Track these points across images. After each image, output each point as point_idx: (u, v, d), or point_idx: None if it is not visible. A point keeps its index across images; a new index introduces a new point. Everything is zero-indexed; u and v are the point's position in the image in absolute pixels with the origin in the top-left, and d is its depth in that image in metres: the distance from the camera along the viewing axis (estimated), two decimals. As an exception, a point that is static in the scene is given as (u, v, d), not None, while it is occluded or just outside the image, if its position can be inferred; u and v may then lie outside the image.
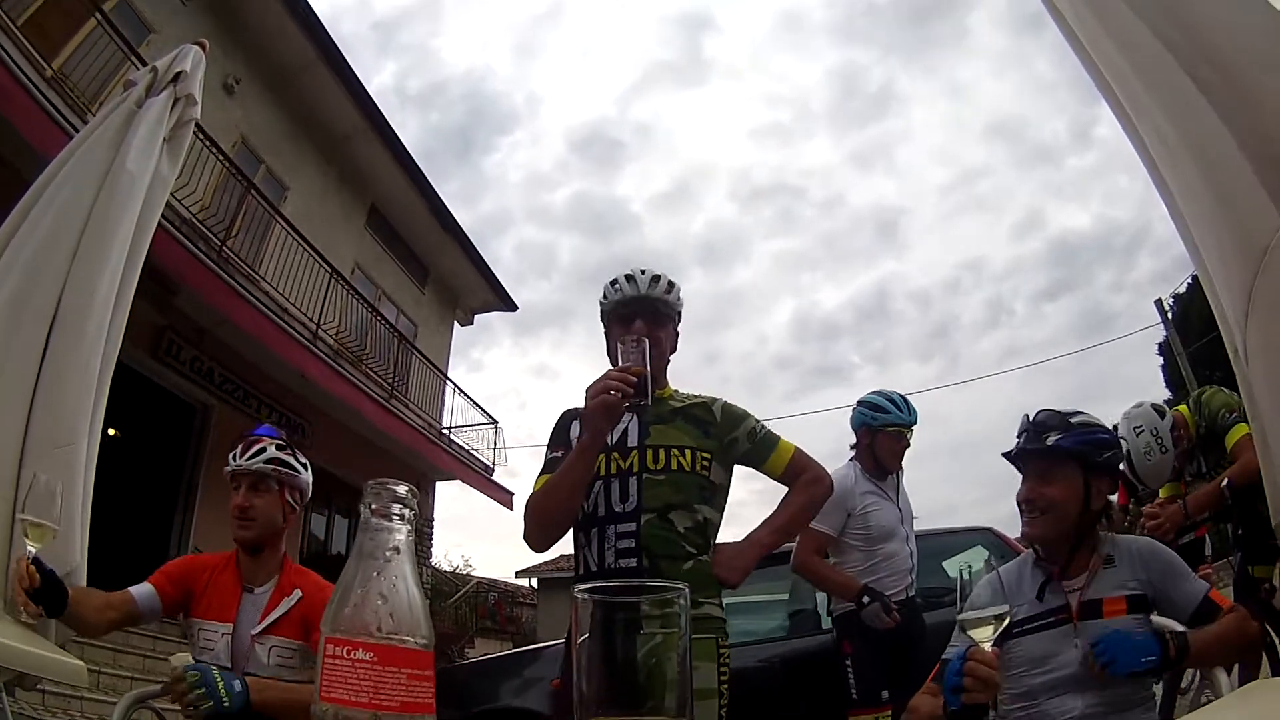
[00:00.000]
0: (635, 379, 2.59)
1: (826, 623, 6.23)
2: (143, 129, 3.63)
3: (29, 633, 2.62)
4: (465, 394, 19.52)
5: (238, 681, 2.54)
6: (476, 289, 21.71)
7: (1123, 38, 1.57)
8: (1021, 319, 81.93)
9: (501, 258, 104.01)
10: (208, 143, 10.96)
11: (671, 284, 3.05)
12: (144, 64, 3.91)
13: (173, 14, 12.59)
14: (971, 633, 2.10)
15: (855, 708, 4.67)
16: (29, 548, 2.42)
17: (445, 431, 18.46)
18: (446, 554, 32.64)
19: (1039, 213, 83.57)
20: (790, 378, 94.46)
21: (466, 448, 18.67)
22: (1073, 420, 2.78)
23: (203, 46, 4.10)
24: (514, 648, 23.59)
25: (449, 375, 19.94)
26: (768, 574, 5.22)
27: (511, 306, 22.94)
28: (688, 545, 2.81)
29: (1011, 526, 6.47)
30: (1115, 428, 4.47)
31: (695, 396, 3.12)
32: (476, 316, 22.90)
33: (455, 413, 19.13)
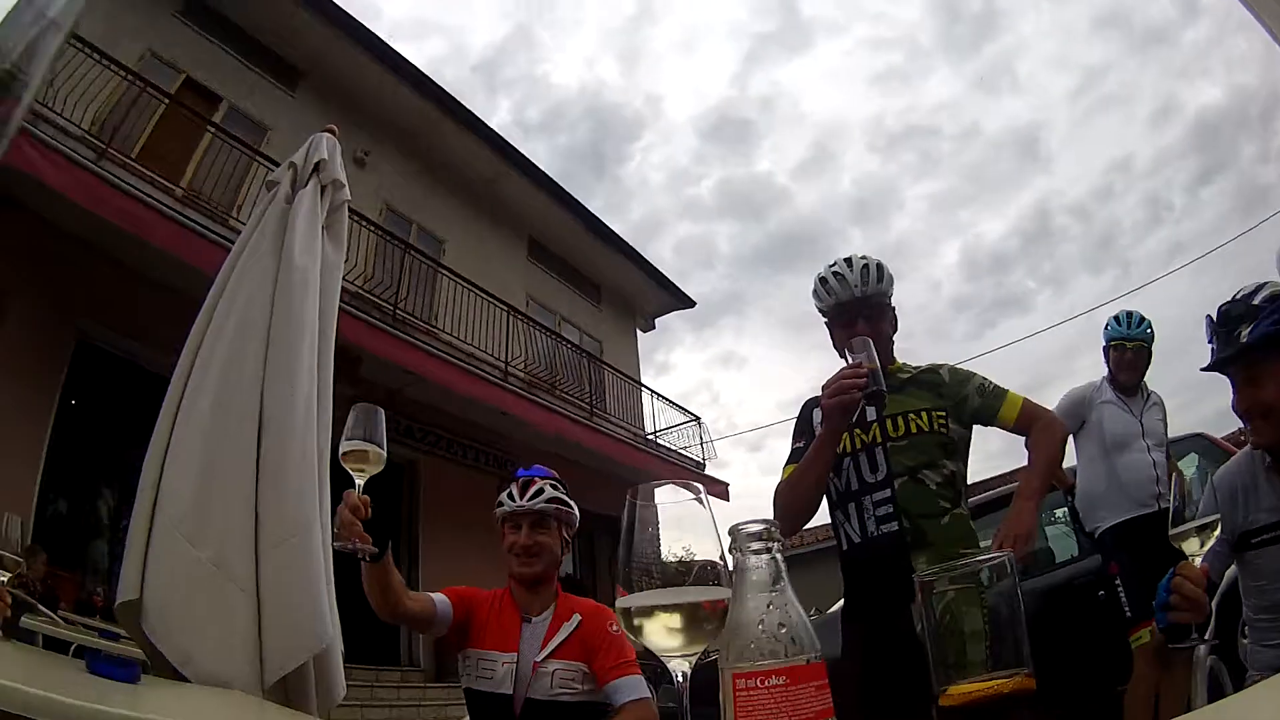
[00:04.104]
0: (866, 375, 2.64)
1: (1062, 555, 6.69)
2: (300, 223, 3.67)
3: (300, 716, 2.71)
4: (662, 397, 19.58)
5: None
6: (650, 294, 21.78)
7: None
8: (1181, 211, 77.51)
9: (663, 258, 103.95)
10: (355, 216, 11.15)
11: (880, 270, 3.14)
12: (270, 160, 3.97)
13: (282, 107, 13.14)
14: (1181, 546, 2.02)
15: (1132, 626, 4.69)
16: (357, 481, 2.43)
17: (650, 437, 18.53)
18: (671, 549, 32.90)
19: (1171, 97, 78.50)
20: (970, 318, 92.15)
21: (674, 449, 18.69)
22: (1257, 301, 2.42)
23: (332, 131, 4.12)
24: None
25: (643, 382, 20.02)
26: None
27: (689, 303, 22.84)
28: (942, 500, 2.92)
29: (1218, 427, 6.64)
30: None
31: (921, 366, 3.23)
32: (656, 320, 22.91)
33: (657, 417, 19.20)
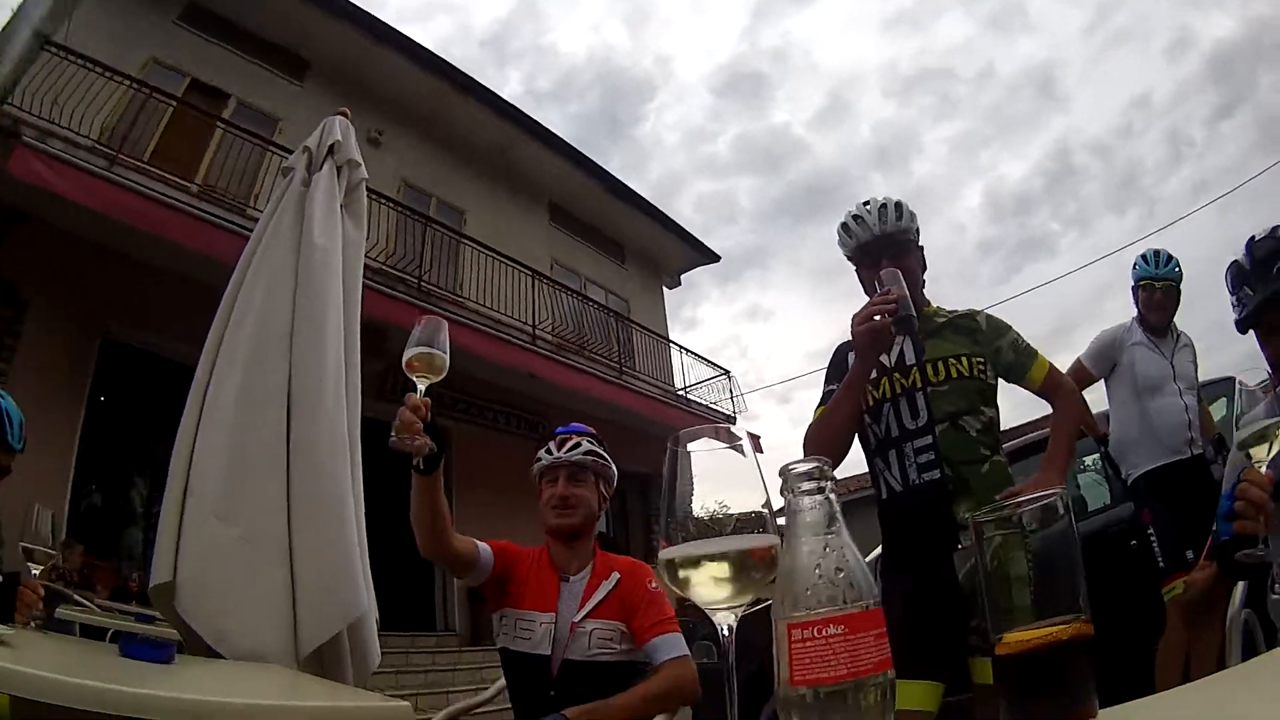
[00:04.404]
0: (894, 301, 2.64)
1: (1094, 503, 6.63)
2: (318, 204, 3.68)
3: (336, 686, 2.76)
4: (691, 352, 19.43)
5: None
6: (674, 250, 21.63)
7: None
8: (1202, 146, 76.68)
9: (685, 216, 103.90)
10: (374, 195, 11.04)
11: (900, 208, 3.08)
12: (283, 149, 3.97)
13: (292, 98, 13.20)
14: (1249, 451, 1.94)
15: (1165, 576, 4.64)
16: (420, 386, 2.36)
17: (681, 393, 18.48)
18: (704, 505, 33.03)
19: (1185, 29, 77.29)
20: (996, 261, 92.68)
21: (704, 404, 18.63)
22: None
23: (345, 114, 4.13)
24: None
25: (670, 338, 19.91)
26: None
27: (714, 258, 22.65)
28: (982, 448, 2.88)
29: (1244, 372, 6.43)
30: None
31: (958, 310, 3.17)
32: (682, 277, 22.77)
33: (686, 372, 19.09)
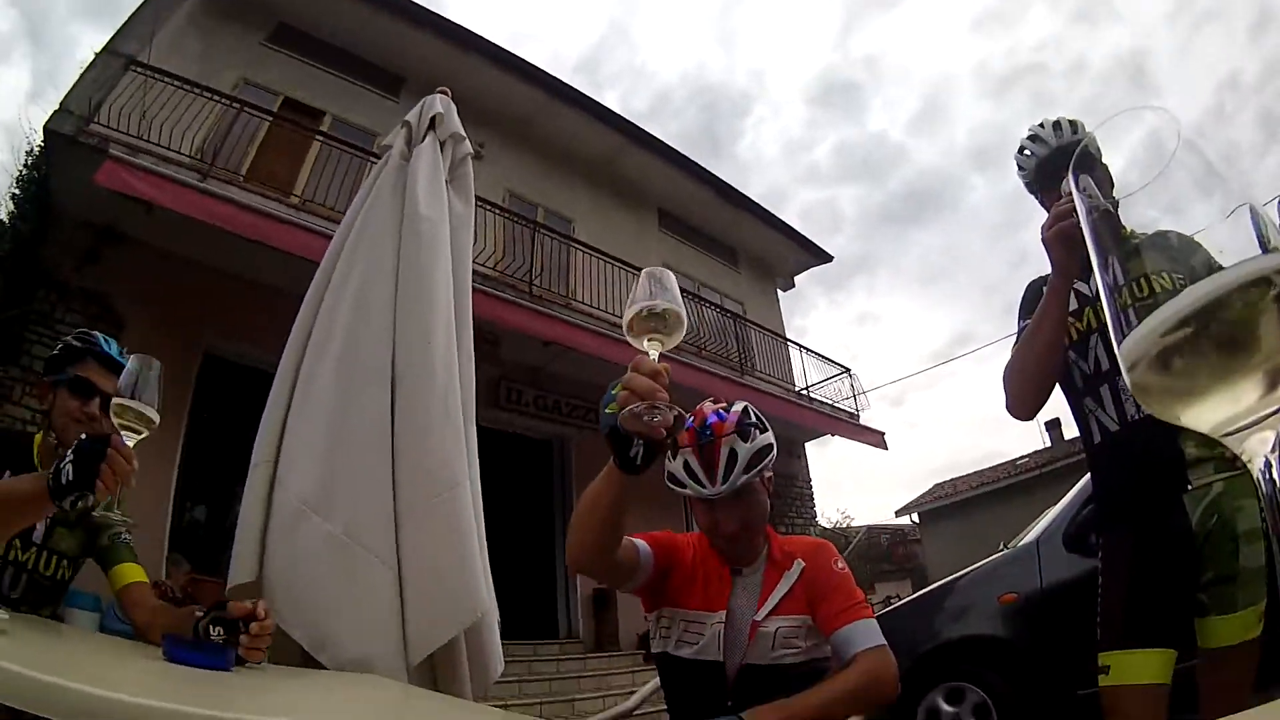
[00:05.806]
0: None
1: None
2: (421, 176, 3.43)
3: (449, 700, 2.46)
4: (811, 351, 19.04)
5: None
6: (786, 252, 21.34)
7: None
8: None
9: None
10: (480, 202, 10.94)
11: (1074, 123, 2.86)
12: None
13: (387, 114, 12.95)
14: None
15: None
16: (651, 352, 1.68)
17: (803, 392, 18.14)
18: (823, 511, 32.78)
19: (1265, 4, 74.77)
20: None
21: (828, 403, 18.26)
22: None
23: (445, 92, 3.95)
24: (912, 585, 23.50)
25: (789, 337, 19.54)
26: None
27: (826, 258, 22.18)
28: None
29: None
30: None
31: (1148, 231, 2.82)
32: (796, 279, 22.42)
33: (806, 373, 18.70)
